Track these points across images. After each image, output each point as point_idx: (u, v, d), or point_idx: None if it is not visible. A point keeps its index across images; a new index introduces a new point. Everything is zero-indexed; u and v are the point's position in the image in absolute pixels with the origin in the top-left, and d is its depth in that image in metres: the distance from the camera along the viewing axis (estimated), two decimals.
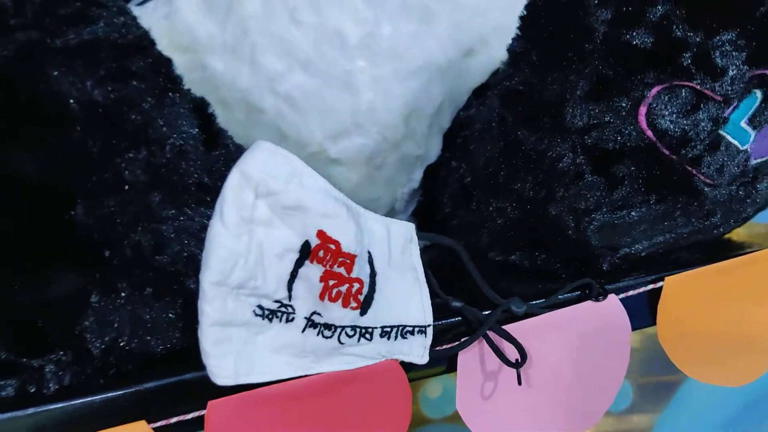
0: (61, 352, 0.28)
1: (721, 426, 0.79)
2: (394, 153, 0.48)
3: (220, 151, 0.30)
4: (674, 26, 0.28)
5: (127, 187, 0.26)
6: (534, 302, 0.33)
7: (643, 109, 0.30)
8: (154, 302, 0.28)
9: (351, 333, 0.31)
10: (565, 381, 0.34)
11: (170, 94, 0.28)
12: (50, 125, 0.24)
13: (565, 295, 0.34)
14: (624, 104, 0.30)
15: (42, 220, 0.24)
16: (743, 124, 0.30)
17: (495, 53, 0.48)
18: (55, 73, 0.24)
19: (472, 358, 0.32)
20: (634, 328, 0.35)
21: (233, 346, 0.29)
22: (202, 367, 0.28)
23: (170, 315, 0.29)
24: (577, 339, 0.34)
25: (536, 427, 0.33)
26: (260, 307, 0.29)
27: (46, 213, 0.24)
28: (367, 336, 0.31)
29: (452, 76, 0.48)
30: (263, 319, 0.29)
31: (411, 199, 0.51)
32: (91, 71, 0.24)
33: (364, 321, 0.31)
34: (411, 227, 0.33)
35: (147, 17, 0.46)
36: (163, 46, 0.45)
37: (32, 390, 0.28)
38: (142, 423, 0.28)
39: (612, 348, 0.34)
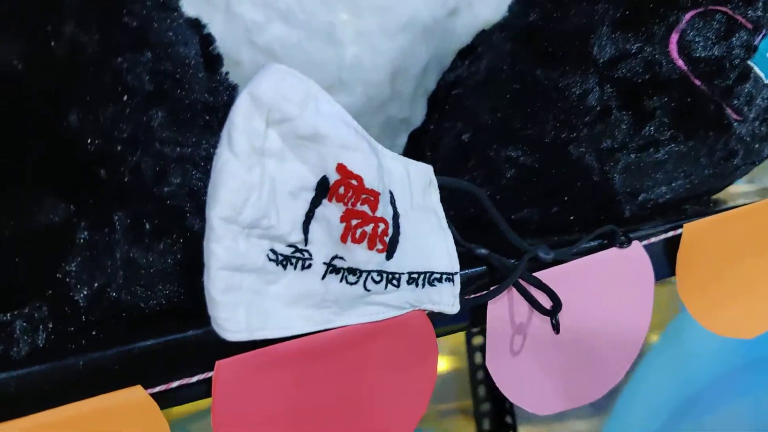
0: (37, 304, 0.23)
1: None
2: (378, 115, 0.45)
3: (223, 76, 0.26)
4: None
5: (126, 98, 0.21)
6: (561, 249, 0.31)
7: (674, 37, 0.28)
8: (152, 242, 0.23)
9: (378, 278, 0.27)
10: (593, 331, 0.32)
11: (168, 2, 0.23)
12: (37, 13, 0.19)
13: (589, 242, 0.32)
14: (656, 31, 0.28)
15: (29, 129, 0.19)
16: None
17: (479, 13, 0.46)
18: None
19: (502, 308, 0.29)
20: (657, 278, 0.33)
21: (244, 295, 0.25)
22: (205, 322, 0.24)
23: (168, 260, 0.24)
24: (603, 287, 0.32)
25: (567, 386, 0.31)
26: (273, 251, 0.25)
27: (34, 120, 0.19)
28: (395, 282, 0.27)
29: (437, 36, 0.46)
30: (277, 265, 0.26)
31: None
32: None
33: (391, 266, 0.27)
34: (429, 169, 0.30)
35: None
36: None
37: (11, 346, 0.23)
38: (138, 388, 0.23)
39: (637, 297, 0.32)
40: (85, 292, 0.23)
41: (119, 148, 0.21)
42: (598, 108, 0.30)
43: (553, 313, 0.29)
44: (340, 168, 0.26)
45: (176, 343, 0.25)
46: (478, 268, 0.30)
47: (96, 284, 0.23)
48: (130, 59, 0.21)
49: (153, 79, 0.22)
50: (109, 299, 0.24)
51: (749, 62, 0.30)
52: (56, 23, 0.20)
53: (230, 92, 0.25)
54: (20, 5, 0.19)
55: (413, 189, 0.29)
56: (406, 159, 0.30)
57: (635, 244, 0.32)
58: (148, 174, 0.22)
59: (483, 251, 0.30)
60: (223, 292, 0.24)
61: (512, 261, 0.30)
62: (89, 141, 0.20)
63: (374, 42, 0.44)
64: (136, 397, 0.23)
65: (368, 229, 0.27)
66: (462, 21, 0.47)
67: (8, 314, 0.23)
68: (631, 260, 0.32)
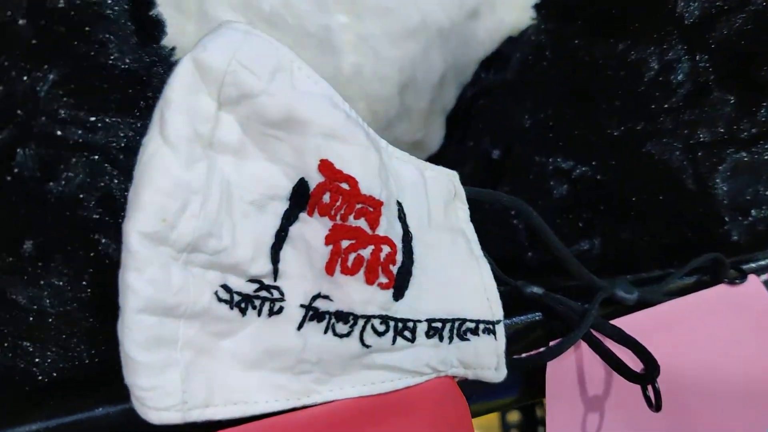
0: None
1: None
2: (384, 136, 0.37)
3: (159, 46, 0.18)
4: None
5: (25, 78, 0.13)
6: (648, 287, 0.21)
7: None
8: (42, 273, 0.14)
9: (382, 328, 0.18)
10: (705, 397, 0.22)
11: None
12: None
13: (684, 278, 0.22)
14: None
15: None
16: None
17: (504, 18, 0.39)
18: None
19: (568, 373, 0.20)
20: None
21: (179, 354, 0.16)
22: (122, 396, 0.15)
23: (67, 302, 0.15)
24: (711, 336, 0.22)
25: None
26: (226, 288, 0.17)
27: None
28: (407, 334, 0.18)
29: (456, 42, 0.38)
30: (231, 308, 0.17)
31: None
32: None
33: (401, 308, 0.18)
34: (453, 176, 0.22)
35: None
36: None
37: None
38: None
39: (762, 346, 0.23)
40: None
41: None
42: (688, 87, 0.22)
43: (646, 379, 0.19)
44: (325, 166, 0.18)
45: (80, 425, 0.15)
46: (529, 315, 0.21)
47: None
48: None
49: (34, 20, 0.13)
50: None
51: None
52: None
53: (170, 65, 0.17)
54: None
55: (431, 201, 0.21)
56: (420, 161, 0.21)
57: (752, 278, 0.23)
58: (28, 165, 0.14)
59: (536, 290, 0.21)
60: (145, 347, 0.15)
61: (580, 303, 0.21)
62: None
63: (378, 49, 0.36)
64: None
65: (365, 253, 0.18)
66: (484, 25, 0.40)
67: None
68: (747, 299, 0.23)
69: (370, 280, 0.18)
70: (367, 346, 0.18)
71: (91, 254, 0.16)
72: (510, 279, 0.21)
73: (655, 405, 0.19)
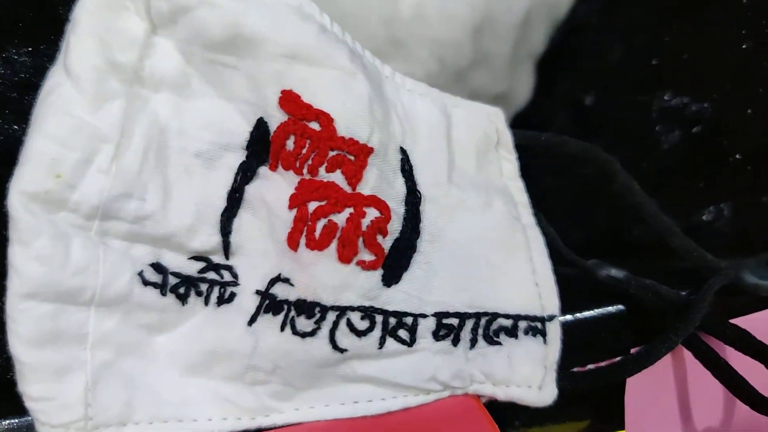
0: None
1: None
2: (458, 89, 0.31)
3: None
4: None
5: None
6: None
7: None
8: None
9: (363, 325, 0.13)
10: None
11: None
12: None
13: None
14: None
15: None
16: None
17: None
18: None
19: (657, 394, 0.13)
20: None
21: (88, 354, 0.12)
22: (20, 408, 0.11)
23: None
24: None
25: None
26: (158, 267, 0.12)
27: None
28: (403, 333, 0.13)
29: None
30: (164, 294, 0.12)
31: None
32: None
33: (396, 297, 0.13)
34: (495, 115, 0.16)
35: None
36: None
37: None
38: None
39: None
40: None
41: None
42: None
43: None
44: (288, 99, 0.13)
45: None
46: (604, 309, 0.14)
47: None
48: None
49: None
50: None
51: None
52: None
53: None
54: None
55: (456, 149, 0.15)
56: (447, 95, 0.16)
57: None
58: None
59: (616, 273, 0.14)
60: (36, 345, 0.12)
61: (682, 293, 0.14)
62: None
63: None
64: None
65: (339, 219, 0.12)
66: None
67: None
68: None
69: (344, 257, 0.12)
70: (342, 351, 0.13)
71: None
72: (579, 258, 0.15)
73: None
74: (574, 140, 0.16)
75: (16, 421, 0.13)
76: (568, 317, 0.14)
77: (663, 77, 0.20)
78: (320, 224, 0.13)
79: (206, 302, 0.13)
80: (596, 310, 0.15)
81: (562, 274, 0.15)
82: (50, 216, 0.12)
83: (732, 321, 0.14)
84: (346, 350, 0.13)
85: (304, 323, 0.13)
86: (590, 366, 0.14)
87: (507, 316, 0.14)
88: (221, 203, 0.13)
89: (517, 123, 0.32)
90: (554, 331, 0.14)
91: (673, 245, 0.15)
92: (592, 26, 0.26)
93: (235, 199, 0.13)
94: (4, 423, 0.13)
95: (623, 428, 0.14)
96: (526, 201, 0.15)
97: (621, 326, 0.14)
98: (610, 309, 0.15)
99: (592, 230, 0.17)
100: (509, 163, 0.16)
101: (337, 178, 0.13)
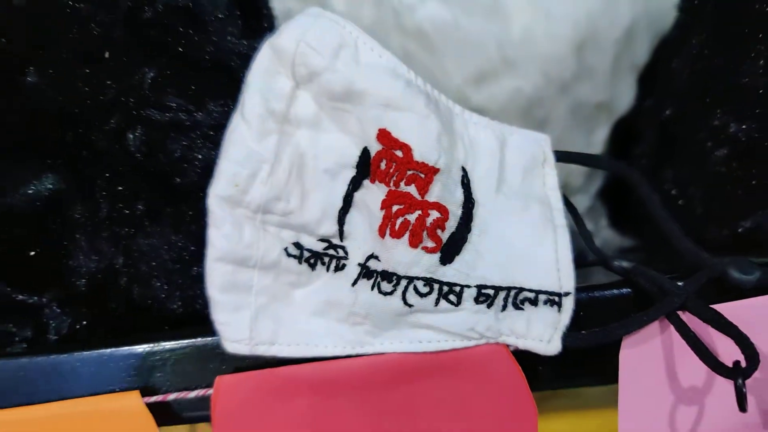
0: (55, 289, 0.21)
1: None
2: (562, 100, 0.35)
3: (261, 35, 0.21)
4: None
5: (107, 54, 0.18)
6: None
7: None
8: (151, 225, 0.20)
9: (425, 289, 0.19)
10: None
11: None
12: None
13: None
14: None
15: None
16: None
17: None
18: None
19: (647, 356, 0.18)
20: None
21: (251, 299, 0.19)
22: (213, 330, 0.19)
23: (178, 249, 0.20)
24: None
25: None
26: (298, 246, 0.20)
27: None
28: (452, 297, 0.19)
29: None
30: (300, 263, 0.19)
31: (594, 172, 0.37)
32: None
33: (449, 272, 0.19)
34: (544, 139, 0.21)
35: None
36: None
37: (35, 337, 0.22)
38: (135, 394, 0.20)
39: None
40: (89, 280, 0.20)
41: (90, 105, 0.18)
42: None
43: (739, 373, 0.16)
44: (383, 135, 0.19)
45: (185, 350, 0.21)
46: (615, 290, 0.19)
47: (101, 272, 0.20)
48: (98, 5, 0.18)
49: (133, 31, 0.18)
50: (120, 292, 0.21)
51: None
52: None
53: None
54: None
55: (507, 167, 0.20)
56: (507, 127, 0.21)
57: None
58: (136, 144, 0.19)
59: (625, 264, 0.19)
60: (221, 289, 0.20)
61: (679, 283, 0.18)
62: (50, 101, 0.17)
63: (550, 7, 0.35)
64: (131, 403, 0.20)
65: (412, 218, 0.19)
66: None
67: (37, 298, 0.22)
68: None
69: (413, 243, 0.19)
70: (409, 305, 0.19)
71: (191, 213, 0.20)
72: (601, 251, 0.20)
73: (741, 405, 0.16)
74: (607, 158, 0.20)
75: (211, 339, 0.21)
76: (583, 295, 0.19)
77: (714, 99, 0.23)
78: (399, 221, 0.19)
79: (327, 269, 0.20)
80: (610, 291, 0.19)
81: (582, 262, 0.19)
82: (232, 210, 0.19)
83: (713, 306, 0.18)
84: (412, 305, 0.19)
85: (386, 286, 0.19)
86: (594, 329, 0.18)
87: (531, 291, 0.19)
88: (339, 204, 0.20)
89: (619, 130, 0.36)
90: (568, 304, 0.19)
91: (676, 246, 0.19)
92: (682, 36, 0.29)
93: (348, 202, 0.20)
94: (208, 339, 0.21)
95: (616, 382, 0.18)
96: (561, 207, 0.20)
97: (627, 305, 0.19)
98: (620, 291, 0.19)
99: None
100: (551, 177, 0.20)
101: (412, 189, 0.19)
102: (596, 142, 0.37)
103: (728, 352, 0.17)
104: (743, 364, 0.16)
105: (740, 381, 0.16)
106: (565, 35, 0.34)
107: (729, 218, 0.23)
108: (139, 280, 0.21)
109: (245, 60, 0.21)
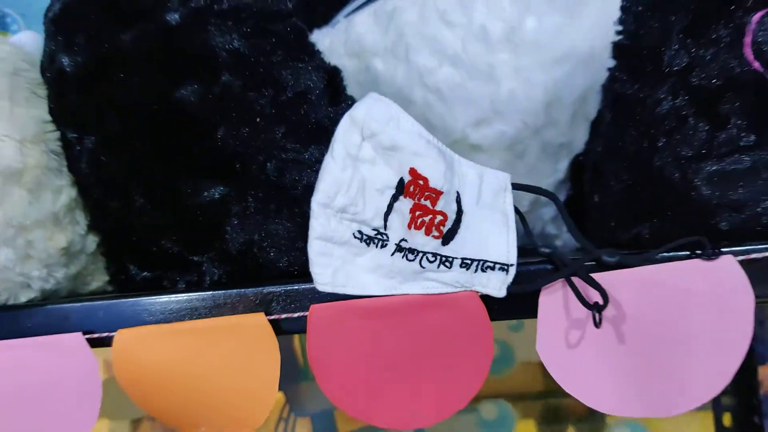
0: (213, 252, 0.36)
1: None
2: (535, 140, 0.50)
3: (341, 106, 0.36)
4: None
5: (258, 119, 0.33)
6: (629, 252, 0.32)
7: (748, 39, 0.28)
8: (276, 217, 0.35)
9: (432, 259, 0.33)
10: (672, 344, 0.31)
11: (300, 54, 0.35)
12: (207, 69, 0.33)
13: (671, 253, 0.32)
14: (725, 35, 0.29)
15: (196, 140, 0.33)
16: None
17: None
18: (213, 30, 0.32)
19: (555, 301, 0.32)
20: (760, 296, 0.31)
21: (333, 261, 0.34)
22: (311, 280, 0.34)
23: (291, 232, 0.35)
24: (679, 299, 0.31)
25: (640, 392, 0.32)
26: (360, 232, 0.34)
27: (200, 134, 0.33)
28: (447, 264, 0.33)
29: (598, 65, 0.48)
30: (361, 242, 0.34)
31: (558, 190, 0.52)
32: (238, 29, 0.33)
33: (446, 250, 0.34)
34: (506, 177, 0.35)
35: (333, 32, 0.56)
36: (341, 53, 0.55)
37: (195, 281, 0.37)
38: (261, 315, 0.35)
39: (727, 317, 0.31)
40: (237, 245, 0.35)
41: (250, 151, 0.33)
42: (673, 116, 0.31)
43: (596, 307, 0.31)
44: (412, 171, 0.34)
45: (290, 290, 0.35)
46: (542, 266, 0.34)
47: (242, 240, 0.35)
48: (258, 95, 0.33)
49: (275, 108, 0.33)
50: (253, 256, 0.36)
51: None
52: (217, 73, 0.33)
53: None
54: (194, 64, 0.32)
55: (483, 191, 0.35)
56: (483, 168, 0.36)
57: (727, 258, 0.31)
58: (272, 172, 0.34)
59: (546, 249, 0.33)
60: (317, 255, 0.34)
61: (573, 259, 0.33)
62: (231, 150, 0.32)
63: (529, 76, 0.49)
64: (259, 320, 0.35)
65: (427, 219, 0.33)
66: None
67: (200, 256, 0.37)
68: (722, 275, 0.31)
69: (427, 233, 0.33)
70: (423, 268, 0.33)
71: (300, 213, 0.35)
72: (535, 242, 0.34)
73: (596, 325, 0.30)
74: (542, 189, 0.35)
75: (307, 284, 0.36)
76: (521, 267, 0.34)
77: (617, 151, 0.37)
78: (419, 220, 0.33)
79: (376, 246, 0.34)
80: (533, 264, 0.34)
81: (525, 249, 0.34)
82: (324, 210, 0.34)
83: (592, 274, 0.32)
84: (425, 268, 0.33)
85: (410, 256, 0.33)
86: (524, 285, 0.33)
87: (492, 262, 0.33)
88: (384, 209, 0.34)
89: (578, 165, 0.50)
90: (512, 270, 0.33)
91: (575, 237, 0.33)
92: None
93: (390, 208, 0.34)
94: (305, 284, 0.36)
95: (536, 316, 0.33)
96: (512, 216, 0.34)
97: (546, 273, 0.34)
98: (545, 266, 0.34)
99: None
100: (509, 199, 0.35)
101: (427, 203, 0.33)
102: (560, 170, 0.51)
103: (597, 299, 0.32)
104: (600, 302, 0.31)
105: (597, 312, 0.30)
106: (538, 96, 0.49)
107: (630, 225, 0.37)
108: (266, 249, 0.36)
109: (333, 122, 0.35)
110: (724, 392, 0.75)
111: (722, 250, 0.31)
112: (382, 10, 0.55)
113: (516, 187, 0.35)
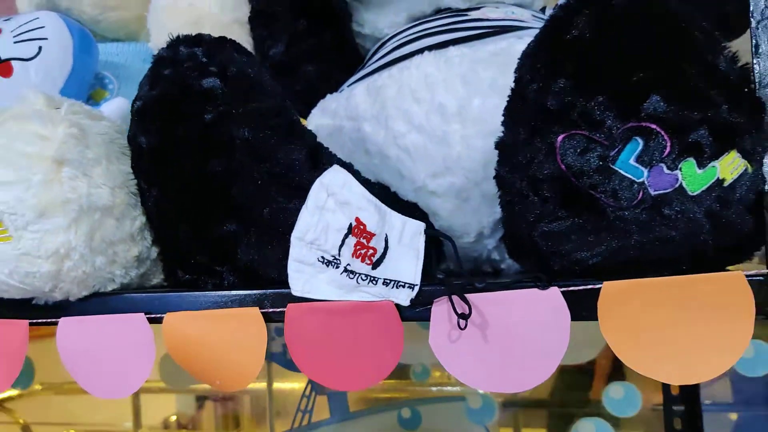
0: (229, 265, 0.55)
1: None
2: (476, 189, 0.67)
3: (319, 171, 0.55)
4: (566, 93, 0.43)
5: (259, 182, 0.52)
6: (493, 281, 0.49)
7: (558, 149, 0.45)
8: (269, 245, 0.53)
9: (365, 278, 0.51)
10: (515, 345, 0.48)
11: (290, 139, 0.53)
12: (228, 151, 0.52)
13: (520, 282, 0.48)
14: (543, 147, 0.45)
15: (219, 194, 0.52)
16: (632, 162, 0.42)
17: None
18: (233, 125, 0.52)
19: (442, 310, 0.49)
20: (575, 318, 0.47)
21: (304, 275, 0.52)
22: (289, 287, 0.52)
23: (278, 255, 0.54)
24: (521, 313, 0.48)
25: (499, 375, 0.48)
26: (322, 257, 0.52)
27: (221, 191, 0.52)
28: (374, 282, 0.51)
29: None
30: (322, 264, 0.52)
31: (496, 227, 0.68)
32: (248, 124, 0.52)
33: (374, 273, 0.51)
34: (421, 225, 0.53)
35: (339, 97, 0.75)
36: (342, 116, 0.73)
37: (218, 283, 0.56)
38: (256, 309, 0.54)
39: (551, 330, 0.47)
40: (244, 264, 0.54)
41: (255, 202, 0.52)
42: (522, 193, 0.48)
43: (462, 316, 0.47)
44: (357, 219, 0.52)
45: (278, 293, 0.54)
46: (435, 286, 0.51)
47: (249, 261, 0.54)
48: (258, 168, 0.52)
49: (270, 176, 0.52)
50: (254, 269, 0.55)
51: (613, 166, 0.43)
52: (233, 154, 0.52)
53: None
54: (219, 146, 0.52)
55: (404, 234, 0.52)
56: (406, 218, 0.53)
57: (553, 288, 0.47)
58: (267, 215, 0.53)
59: (440, 276, 0.50)
60: (293, 271, 0.52)
61: (454, 283, 0.49)
62: (243, 201, 0.51)
63: (471, 143, 0.66)
64: (254, 312, 0.53)
65: (363, 251, 0.51)
66: None
67: (221, 267, 0.56)
68: (549, 301, 0.47)
69: (363, 261, 0.50)
70: (359, 284, 0.51)
71: (282, 241, 0.54)
72: (436, 270, 0.51)
73: (461, 327, 0.47)
74: (441, 233, 0.51)
75: (288, 290, 0.54)
76: (424, 287, 0.51)
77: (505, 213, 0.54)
78: (359, 252, 0.51)
79: (332, 267, 0.52)
80: (430, 285, 0.51)
81: (429, 275, 0.51)
82: (300, 242, 0.52)
83: (468, 295, 0.49)
84: (359, 284, 0.51)
85: (351, 276, 0.50)
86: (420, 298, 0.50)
87: (404, 282, 0.50)
88: (339, 243, 0.52)
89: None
90: (416, 289, 0.50)
91: (460, 270, 0.50)
92: None
93: (342, 242, 0.52)
94: (283, 289, 0.54)
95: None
96: (422, 252, 0.51)
97: (439, 292, 0.50)
98: (436, 287, 0.51)
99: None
100: (421, 239, 0.52)
101: (365, 240, 0.51)
102: (497, 212, 0.68)
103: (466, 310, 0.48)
104: (466, 312, 0.47)
105: (463, 319, 0.47)
106: (478, 158, 0.66)
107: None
108: (263, 266, 0.55)
109: (310, 183, 0.54)
110: (674, 400, 0.88)
111: (552, 283, 0.47)
112: (373, 85, 0.73)
113: (426, 231, 0.52)
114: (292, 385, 1.18)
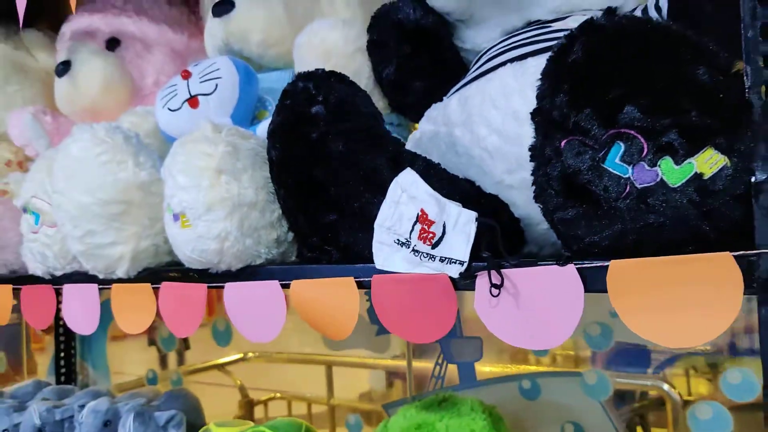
0: (334, 246, 0.74)
1: None
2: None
3: (397, 173, 0.70)
4: (564, 107, 0.54)
5: (351, 183, 0.70)
6: (524, 259, 0.60)
7: (561, 152, 0.56)
8: (360, 231, 0.71)
9: (426, 256, 0.66)
10: (534, 309, 0.59)
11: (376, 149, 0.70)
12: (328, 160, 0.70)
13: (546, 261, 0.60)
14: (552, 150, 0.56)
15: (323, 193, 0.71)
16: (617, 161, 0.52)
17: None
18: (330, 141, 0.70)
19: (485, 283, 0.62)
20: (588, 290, 0.57)
21: (384, 253, 0.68)
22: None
23: (367, 239, 0.71)
24: (545, 287, 0.59)
25: (516, 330, 0.60)
26: (398, 240, 0.68)
27: (324, 190, 0.71)
28: (432, 259, 0.65)
29: None
30: (398, 245, 0.68)
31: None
32: (343, 140, 0.69)
33: (433, 252, 0.65)
34: (473, 214, 0.66)
35: (440, 106, 0.90)
36: (440, 122, 0.89)
37: (328, 258, 0.75)
38: (351, 279, 0.71)
39: (568, 299, 0.57)
40: (343, 244, 0.72)
41: (348, 199, 0.70)
42: (546, 186, 0.59)
43: (497, 286, 0.60)
44: (422, 210, 0.66)
45: (367, 268, 0.71)
46: (481, 263, 0.63)
47: (347, 243, 0.72)
48: (351, 170, 0.70)
49: (361, 177, 0.70)
50: (351, 249, 0.73)
51: (603, 165, 0.53)
52: (332, 163, 0.70)
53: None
54: (323, 157, 0.70)
55: (458, 221, 0.65)
56: (462, 209, 0.66)
57: (570, 266, 0.58)
58: (358, 209, 0.70)
59: (486, 254, 0.63)
60: (376, 250, 0.69)
61: (498, 261, 0.62)
62: (340, 198, 0.70)
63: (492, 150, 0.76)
64: (349, 281, 0.71)
65: (425, 235, 0.65)
66: None
67: (329, 246, 0.74)
68: (566, 275, 0.58)
69: (424, 242, 0.64)
70: (421, 261, 0.65)
71: (369, 227, 0.71)
72: (483, 250, 0.64)
73: (494, 294, 0.60)
74: (491, 220, 0.63)
75: (373, 264, 0.71)
76: (474, 263, 0.63)
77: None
78: (422, 235, 0.65)
79: (404, 247, 0.67)
80: (477, 263, 0.63)
81: (477, 253, 0.63)
82: (380, 228, 0.68)
83: (504, 270, 0.61)
84: (422, 261, 0.65)
85: (416, 254, 0.65)
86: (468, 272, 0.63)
87: (456, 259, 0.63)
88: (410, 228, 0.67)
89: None
90: (465, 265, 0.63)
91: (501, 249, 0.62)
92: None
93: (413, 227, 0.67)
94: (373, 265, 0.70)
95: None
96: (473, 235, 0.64)
97: (482, 267, 0.63)
98: (481, 263, 0.63)
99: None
100: (473, 226, 0.64)
101: (427, 226, 0.65)
102: None
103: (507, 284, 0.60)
104: (499, 284, 0.60)
105: (496, 288, 0.60)
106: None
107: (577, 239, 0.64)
108: (357, 246, 0.72)
109: (389, 182, 0.70)
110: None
111: (569, 261, 0.58)
112: (463, 95, 0.87)
113: (478, 219, 0.65)
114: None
